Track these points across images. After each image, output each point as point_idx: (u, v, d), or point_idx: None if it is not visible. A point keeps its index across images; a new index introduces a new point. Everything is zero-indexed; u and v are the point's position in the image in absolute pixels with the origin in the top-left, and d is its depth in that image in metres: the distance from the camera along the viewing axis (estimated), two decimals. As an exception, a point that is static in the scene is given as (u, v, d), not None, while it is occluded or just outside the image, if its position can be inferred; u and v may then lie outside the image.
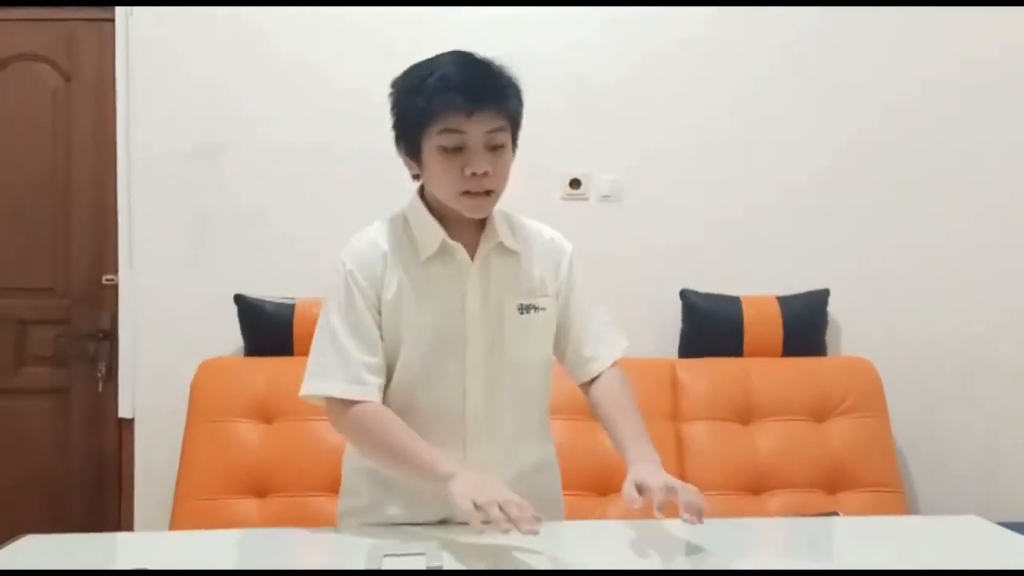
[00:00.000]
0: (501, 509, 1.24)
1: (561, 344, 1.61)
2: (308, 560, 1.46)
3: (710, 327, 2.76)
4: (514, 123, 1.48)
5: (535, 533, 1.23)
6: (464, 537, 1.41)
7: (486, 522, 1.24)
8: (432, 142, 1.43)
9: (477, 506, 1.25)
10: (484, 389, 1.52)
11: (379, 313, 1.50)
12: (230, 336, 2.73)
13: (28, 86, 2.82)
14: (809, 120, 2.88)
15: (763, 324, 2.74)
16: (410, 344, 1.50)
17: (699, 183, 2.87)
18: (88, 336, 2.81)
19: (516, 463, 1.55)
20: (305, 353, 2.66)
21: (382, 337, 1.50)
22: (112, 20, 2.76)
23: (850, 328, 2.87)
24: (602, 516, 2.41)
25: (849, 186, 2.89)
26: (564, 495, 1.69)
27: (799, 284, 2.82)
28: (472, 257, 1.52)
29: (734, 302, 2.77)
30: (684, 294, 2.79)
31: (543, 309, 1.56)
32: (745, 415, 2.61)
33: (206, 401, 2.56)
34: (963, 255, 2.89)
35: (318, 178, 2.81)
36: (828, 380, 2.64)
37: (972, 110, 2.88)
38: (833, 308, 2.82)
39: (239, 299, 2.69)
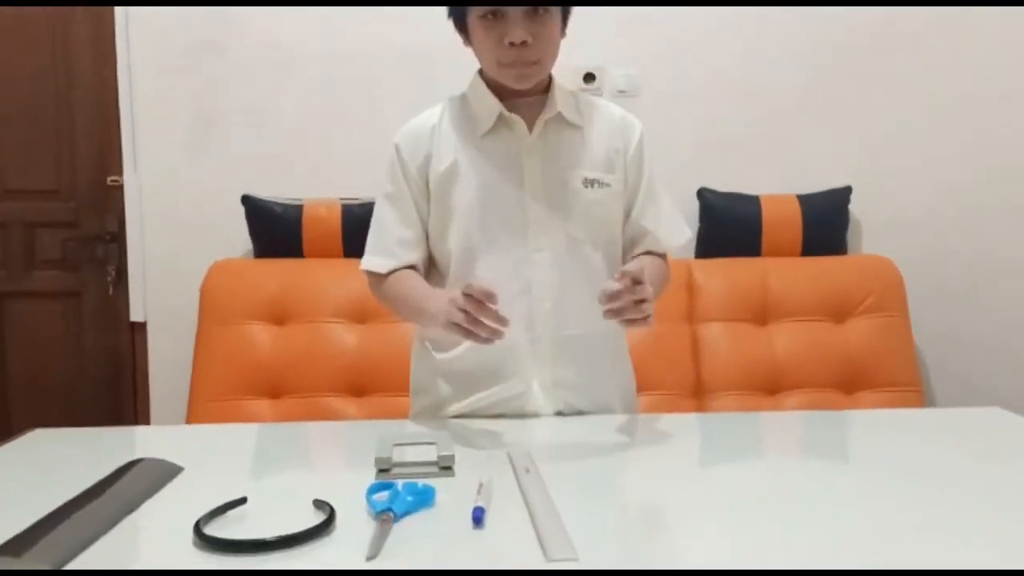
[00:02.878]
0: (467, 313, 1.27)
1: (629, 223, 1.56)
2: (321, 452, 1.45)
3: (728, 227, 2.70)
4: None
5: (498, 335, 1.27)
6: (495, 432, 1.40)
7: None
8: (474, 12, 1.42)
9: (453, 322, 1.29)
10: (550, 264, 1.48)
11: (427, 188, 1.50)
12: (239, 237, 2.70)
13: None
14: (829, 11, 2.75)
15: (782, 223, 2.68)
16: (464, 217, 1.48)
17: (717, 79, 2.76)
18: (96, 239, 2.77)
19: (584, 343, 1.51)
20: (315, 255, 2.68)
21: (431, 212, 1.51)
22: (107, -89, 2.64)
23: (872, 227, 2.80)
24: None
25: (871, 80, 2.78)
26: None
27: (820, 182, 2.74)
28: (531, 130, 1.48)
29: (753, 201, 2.70)
30: (702, 193, 2.72)
31: (608, 185, 1.50)
32: (762, 315, 2.57)
33: (217, 304, 2.54)
34: (988, 150, 2.79)
35: (324, 76, 2.73)
36: (848, 279, 2.59)
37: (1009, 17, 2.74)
38: (855, 206, 2.74)
39: (246, 200, 2.64)
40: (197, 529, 0.99)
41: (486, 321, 1.27)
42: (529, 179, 1.48)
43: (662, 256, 1.59)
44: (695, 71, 2.76)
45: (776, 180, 2.74)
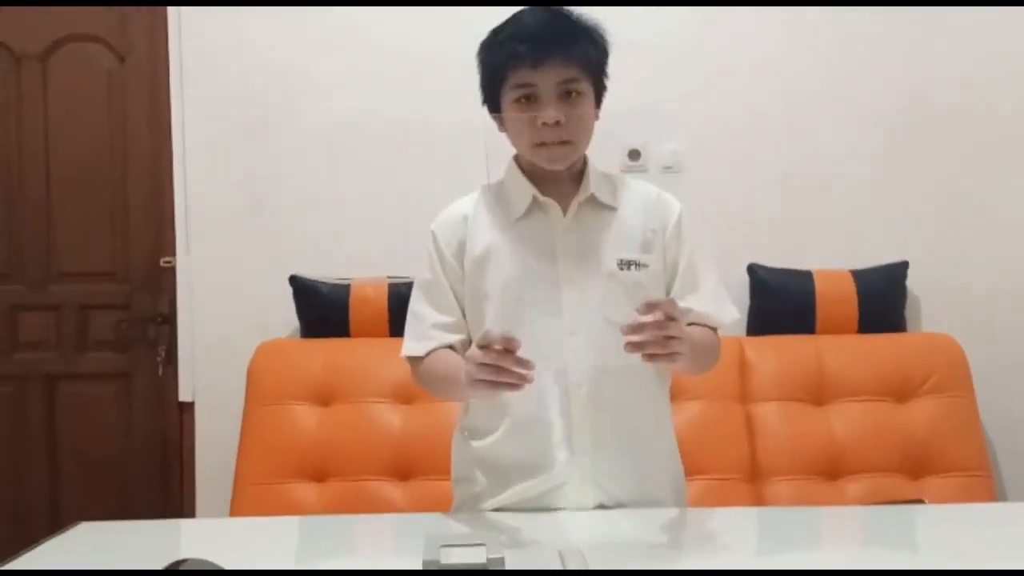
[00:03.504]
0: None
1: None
2: (367, 550, 1.41)
3: (780, 303, 2.64)
4: (591, 71, 1.45)
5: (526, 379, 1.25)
6: (540, 528, 1.35)
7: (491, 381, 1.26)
8: (507, 97, 1.45)
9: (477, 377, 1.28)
10: (587, 350, 1.45)
11: (462, 275, 1.50)
12: (287, 317, 2.70)
13: (82, 67, 2.81)
14: (882, 82, 2.72)
15: (837, 299, 2.60)
16: (498, 301, 1.47)
17: (764, 151, 2.73)
18: (148, 320, 2.80)
19: (625, 430, 1.47)
20: (361, 335, 2.67)
21: (466, 297, 1.50)
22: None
23: (931, 303, 2.71)
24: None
25: (928, 150, 2.72)
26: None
27: (875, 257, 2.67)
28: (565, 213, 1.48)
29: (805, 276, 2.64)
30: (752, 269, 2.67)
31: (646, 266, 1.48)
32: (819, 396, 2.48)
33: (264, 384, 2.54)
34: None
35: (374, 155, 2.75)
36: (908, 358, 2.50)
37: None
38: (912, 282, 2.66)
39: (294, 280, 2.65)
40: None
41: (509, 367, 1.25)
42: (563, 262, 1.47)
43: (712, 329, 1.54)
44: (742, 145, 2.73)
45: (829, 255, 2.68)
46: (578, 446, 1.45)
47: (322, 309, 2.64)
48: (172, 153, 2.75)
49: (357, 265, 2.69)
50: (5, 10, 2.77)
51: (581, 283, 1.46)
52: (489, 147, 1.50)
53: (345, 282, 2.65)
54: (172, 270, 2.78)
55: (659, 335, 1.25)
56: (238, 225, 2.76)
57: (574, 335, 1.45)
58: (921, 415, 2.43)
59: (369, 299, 2.62)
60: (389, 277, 2.65)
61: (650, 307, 1.25)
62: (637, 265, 1.47)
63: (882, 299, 2.62)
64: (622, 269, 1.47)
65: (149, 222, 2.81)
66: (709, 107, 2.72)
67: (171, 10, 2.73)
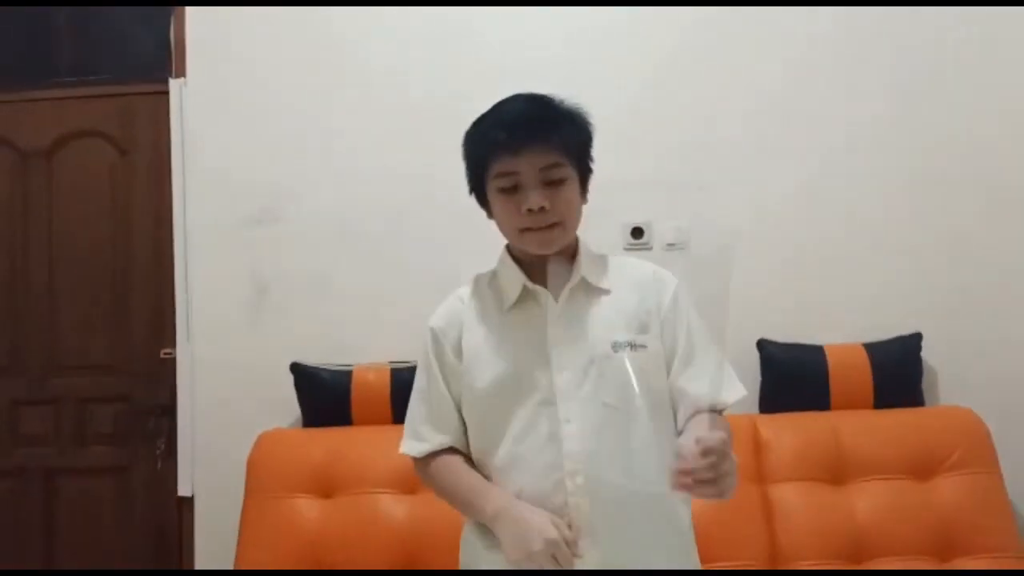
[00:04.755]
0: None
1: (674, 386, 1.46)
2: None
3: (792, 379, 2.56)
4: (573, 154, 1.43)
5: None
6: None
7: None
8: (492, 185, 1.44)
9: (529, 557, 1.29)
10: (583, 438, 1.39)
11: (459, 370, 1.48)
12: (288, 406, 2.65)
13: (86, 162, 2.84)
14: (891, 152, 2.69)
15: (851, 374, 2.52)
16: (493, 394, 1.44)
17: (771, 224, 2.69)
18: (147, 412, 2.76)
19: (628, 518, 1.39)
20: (364, 422, 2.62)
21: (462, 389, 1.48)
22: (166, 92, 2.76)
23: (948, 375, 2.63)
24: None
25: (937, 220, 2.67)
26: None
27: (888, 329, 2.60)
28: (556, 299, 1.45)
29: (817, 351, 2.56)
30: (761, 344, 2.60)
31: (643, 347, 1.42)
32: (838, 475, 2.38)
33: (264, 476, 2.47)
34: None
35: (374, 243, 2.74)
36: (929, 433, 2.40)
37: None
38: (928, 354, 2.58)
39: (295, 368, 2.61)
40: None
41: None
42: (555, 349, 1.42)
43: (719, 413, 1.45)
44: (745, 219, 2.69)
45: (840, 329, 2.62)
46: (582, 538, 1.37)
47: (324, 396, 2.58)
48: (174, 245, 2.74)
49: (359, 352, 2.65)
50: (11, 107, 2.82)
51: (574, 370, 1.41)
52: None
53: (347, 368, 2.60)
54: (172, 361, 2.74)
55: (708, 476, 1.21)
56: (239, 314, 2.74)
57: (568, 423, 1.40)
58: (946, 493, 2.32)
59: (371, 385, 2.57)
60: (391, 362, 2.60)
61: (706, 452, 1.21)
62: (632, 346, 1.42)
63: (897, 372, 2.54)
64: (616, 351, 1.41)
65: (150, 314, 2.80)
66: (714, 182, 2.69)
67: (173, 102, 2.75)
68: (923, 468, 2.36)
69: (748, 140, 2.71)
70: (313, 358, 2.64)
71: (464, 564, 1.53)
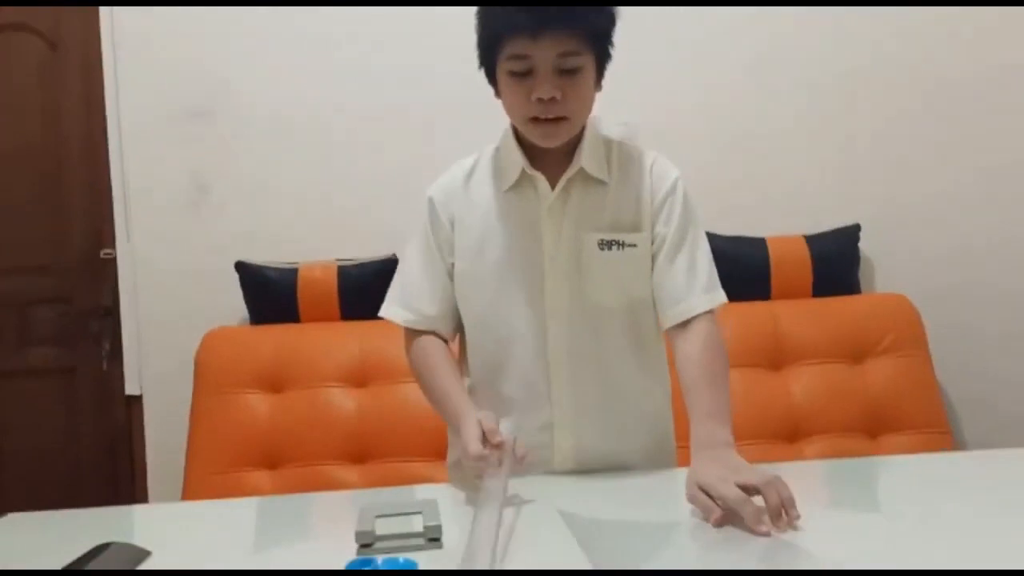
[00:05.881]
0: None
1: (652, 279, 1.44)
2: (302, 528, 1.35)
3: (735, 270, 2.53)
4: (594, 42, 1.34)
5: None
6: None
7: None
8: (503, 66, 1.35)
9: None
10: (568, 334, 1.41)
11: (454, 245, 1.46)
12: (234, 305, 2.63)
13: (12, 58, 2.71)
14: (829, 45, 2.70)
15: (791, 265, 2.59)
16: (485, 280, 1.44)
17: (713, 119, 2.71)
18: (90, 313, 2.72)
19: (608, 412, 1.44)
20: (312, 320, 2.62)
21: (455, 266, 1.46)
22: (96, -18, 2.64)
23: (884, 265, 2.71)
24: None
25: (874, 113, 2.71)
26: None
27: (827, 221, 2.66)
28: (554, 187, 1.41)
29: (759, 244, 2.62)
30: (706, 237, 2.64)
31: (633, 246, 1.41)
32: (776, 360, 2.47)
33: (212, 373, 2.47)
34: (1001, 180, 2.70)
35: (318, 138, 2.69)
36: (863, 320, 2.49)
37: (1011, 24, 2.68)
38: (865, 244, 2.65)
39: (240, 266, 2.58)
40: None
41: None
42: (548, 241, 1.42)
43: (706, 319, 1.40)
44: (690, 112, 2.70)
45: (782, 221, 2.67)
46: (562, 424, 1.43)
47: (270, 294, 2.57)
48: (107, 142, 2.66)
49: (305, 251, 2.63)
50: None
51: (563, 264, 1.42)
52: None
53: (293, 266, 2.58)
54: (113, 261, 2.69)
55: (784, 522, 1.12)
56: (180, 212, 2.68)
57: (555, 316, 1.42)
58: (878, 375, 2.42)
59: (318, 282, 2.56)
60: (338, 260, 2.59)
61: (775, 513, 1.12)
62: (621, 245, 1.41)
63: (836, 263, 2.62)
64: (602, 249, 1.41)
65: (87, 213, 2.73)
66: (658, 77, 2.68)
67: (102, -7, 2.64)
68: (857, 352, 2.46)
69: (695, 35, 2.69)
70: (258, 257, 2.61)
71: (453, 457, 1.55)
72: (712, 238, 2.60)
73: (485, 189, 1.46)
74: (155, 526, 1.30)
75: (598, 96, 1.41)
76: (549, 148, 1.39)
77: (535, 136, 1.38)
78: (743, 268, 2.61)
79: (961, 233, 2.71)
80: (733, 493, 1.12)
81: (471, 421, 1.28)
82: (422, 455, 2.35)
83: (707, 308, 1.40)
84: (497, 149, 1.48)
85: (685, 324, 1.39)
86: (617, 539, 1.12)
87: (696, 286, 1.40)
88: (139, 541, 1.16)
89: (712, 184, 2.67)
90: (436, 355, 1.46)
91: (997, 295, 2.70)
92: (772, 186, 2.72)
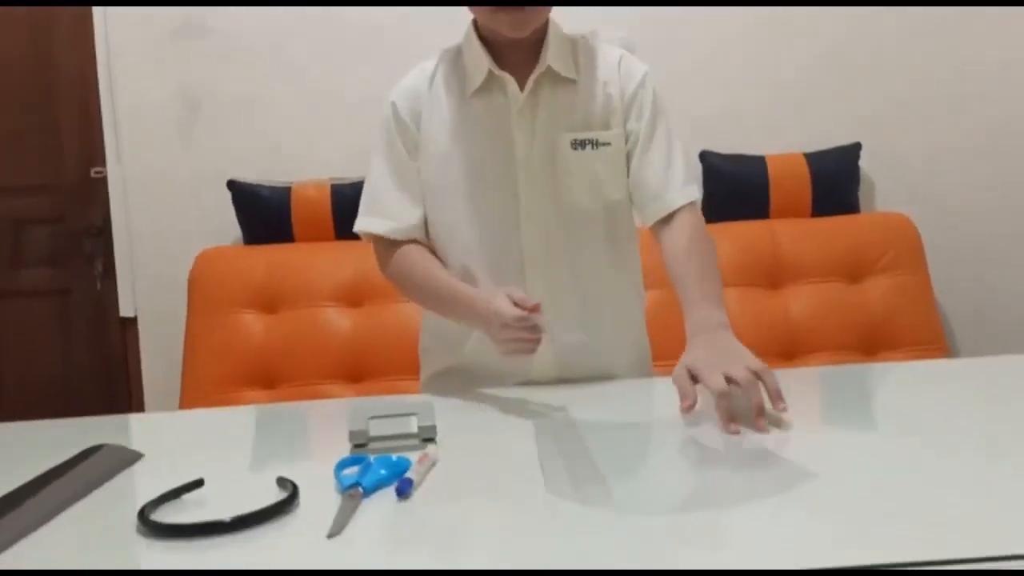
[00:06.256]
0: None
1: (629, 178, 1.41)
2: (296, 431, 1.35)
3: (734, 189, 2.58)
4: None
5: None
6: (487, 401, 1.31)
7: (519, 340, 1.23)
8: None
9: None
10: (542, 237, 1.39)
11: (419, 149, 1.41)
12: (228, 225, 2.60)
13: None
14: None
15: (790, 183, 2.55)
16: (452, 183, 1.40)
17: (713, 35, 2.63)
18: (83, 233, 2.69)
19: (585, 318, 1.42)
20: (305, 239, 2.59)
21: (420, 172, 1.41)
22: None
23: (884, 183, 2.67)
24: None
25: (877, 29, 2.64)
26: None
27: (828, 139, 2.61)
28: (522, 88, 1.37)
29: (758, 162, 2.58)
30: (704, 156, 2.60)
31: (607, 144, 1.38)
32: (775, 279, 2.45)
33: (205, 293, 2.45)
34: (1002, 99, 2.65)
35: (309, 55, 2.62)
36: (862, 238, 2.47)
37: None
38: (865, 163, 2.61)
39: (232, 185, 2.54)
40: (142, 515, 0.89)
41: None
42: (519, 143, 1.38)
43: (689, 210, 1.39)
44: (692, 29, 2.64)
45: (782, 139, 2.62)
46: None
47: (263, 214, 2.54)
48: (96, 60, 2.60)
49: (298, 169, 2.59)
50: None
51: (535, 166, 1.38)
52: None
53: (286, 185, 2.55)
54: (104, 180, 2.65)
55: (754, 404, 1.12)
56: (171, 132, 2.63)
57: (529, 219, 1.39)
58: (876, 293, 2.41)
59: (312, 201, 2.53)
60: (332, 178, 2.55)
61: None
62: (595, 144, 1.38)
63: (836, 181, 2.58)
64: (575, 149, 1.38)
65: (78, 132, 2.68)
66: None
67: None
68: (855, 271, 2.44)
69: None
70: (250, 175, 2.57)
71: (425, 333, 1.55)
72: (711, 156, 2.63)
73: (448, 92, 1.41)
74: (150, 432, 1.29)
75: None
76: (514, 45, 1.36)
77: (502, 25, 1.33)
78: (742, 187, 2.58)
79: (962, 151, 2.67)
80: (715, 383, 1.11)
81: (498, 296, 1.25)
82: (416, 373, 2.34)
83: (689, 200, 1.39)
84: (459, 51, 1.43)
85: (669, 218, 1.38)
86: (602, 449, 1.11)
87: (675, 178, 1.39)
88: (134, 445, 1.16)
89: (711, 101, 2.64)
90: (427, 258, 1.42)
91: (997, 214, 2.67)
92: (773, 103, 2.66)
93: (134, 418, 1.37)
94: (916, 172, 2.66)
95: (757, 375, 1.13)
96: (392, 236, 1.43)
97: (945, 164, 2.67)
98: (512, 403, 1.29)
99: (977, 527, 0.79)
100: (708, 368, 1.14)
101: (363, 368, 2.40)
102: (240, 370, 2.39)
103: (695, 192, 1.41)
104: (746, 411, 1.11)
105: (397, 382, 2.36)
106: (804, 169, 2.56)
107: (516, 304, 1.22)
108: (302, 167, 2.59)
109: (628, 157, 1.40)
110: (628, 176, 1.41)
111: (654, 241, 1.41)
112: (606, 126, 1.39)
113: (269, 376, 2.39)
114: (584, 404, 1.28)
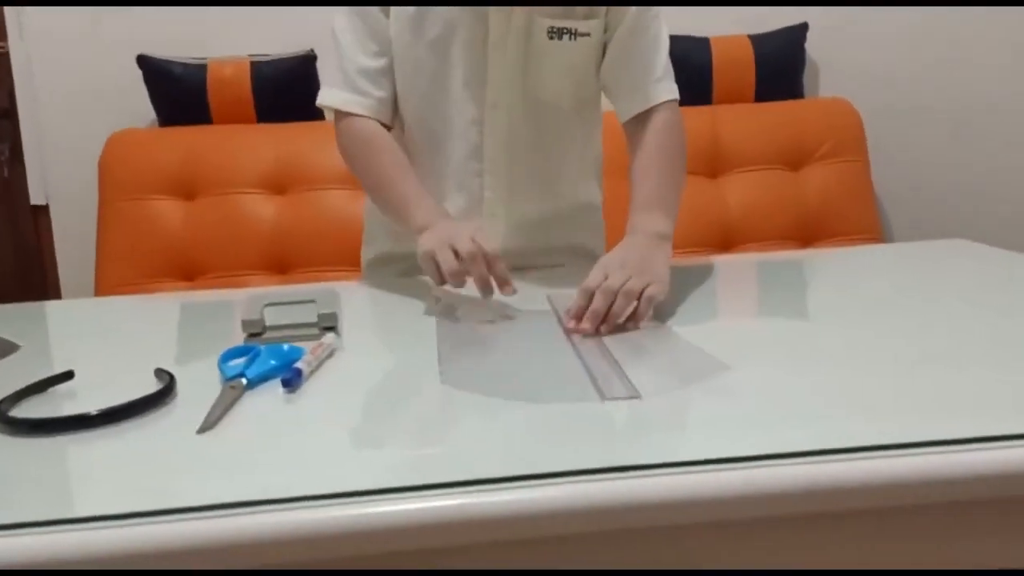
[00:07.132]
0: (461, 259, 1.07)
1: (603, 72, 1.32)
2: (189, 321, 1.26)
3: (676, 73, 2.46)
4: None
5: (490, 294, 1.08)
6: (416, 290, 1.23)
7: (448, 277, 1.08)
8: None
9: (437, 258, 1.08)
10: (507, 127, 1.30)
11: (388, 24, 1.29)
12: (141, 106, 2.44)
13: None
14: None
15: (734, 67, 2.46)
16: (420, 66, 1.29)
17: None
18: (-15, 114, 2.51)
19: (539, 210, 1.36)
20: (224, 121, 2.45)
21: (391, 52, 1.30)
22: None
23: (830, 68, 2.59)
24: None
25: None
26: None
27: (774, 20, 2.51)
28: None
29: (701, 44, 2.47)
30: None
31: (586, 35, 1.28)
32: (713, 167, 2.38)
33: (119, 179, 2.31)
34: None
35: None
36: (804, 124, 2.40)
37: None
38: (811, 45, 2.52)
39: (143, 61, 2.37)
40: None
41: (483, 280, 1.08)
42: (494, 26, 1.27)
43: (668, 108, 1.31)
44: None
45: (726, 19, 2.52)
46: (492, 230, 1.30)
47: (177, 93, 2.38)
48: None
49: (214, 46, 2.42)
50: None
51: (508, 53, 1.28)
52: None
53: (201, 61, 2.38)
54: (6, 57, 2.46)
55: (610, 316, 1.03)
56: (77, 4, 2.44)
57: (495, 108, 1.30)
58: (814, 182, 2.36)
59: (229, 80, 2.38)
60: (251, 55, 2.39)
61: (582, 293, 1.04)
62: (572, 34, 1.28)
63: (780, 64, 2.49)
64: (552, 38, 1.27)
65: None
66: None
67: None
68: (796, 158, 2.39)
69: None
70: (162, 50, 2.40)
71: (368, 220, 1.47)
72: (652, 37, 2.49)
73: None
74: (35, 322, 1.20)
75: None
76: None
77: None
78: (684, 70, 2.40)
79: (910, 35, 2.59)
80: (591, 279, 1.04)
81: (468, 225, 1.16)
82: (345, 264, 2.25)
83: (670, 97, 1.32)
84: None
85: (646, 115, 1.30)
86: (511, 342, 1.05)
87: (657, 73, 1.31)
88: (16, 337, 1.07)
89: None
90: (383, 138, 1.30)
91: (941, 106, 2.62)
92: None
93: (18, 307, 1.27)
94: (861, 56, 2.58)
95: (640, 295, 1.04)
96: (356, 111, 1.30)
97: (889, 48, 2.59)
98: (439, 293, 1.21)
99: (908, 411, 0.76)
100: (599, 269, 1.07)
101: (289, 258, 2.30)
102: (157, 261, 2.28)
103: (676, 90, 1.34)
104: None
105: (326, 272, 2.27)
106: (749, 52, 2.47)
107: (489, 267, 1.08)
108: (219, 43, 2.42)
109: (607, 48, 1.31)
110: (603, 63, 1.32)
111: (625, 137, 1.32)
112: (589, 15, 1.29)
113: (189, 267, 2.28)
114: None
